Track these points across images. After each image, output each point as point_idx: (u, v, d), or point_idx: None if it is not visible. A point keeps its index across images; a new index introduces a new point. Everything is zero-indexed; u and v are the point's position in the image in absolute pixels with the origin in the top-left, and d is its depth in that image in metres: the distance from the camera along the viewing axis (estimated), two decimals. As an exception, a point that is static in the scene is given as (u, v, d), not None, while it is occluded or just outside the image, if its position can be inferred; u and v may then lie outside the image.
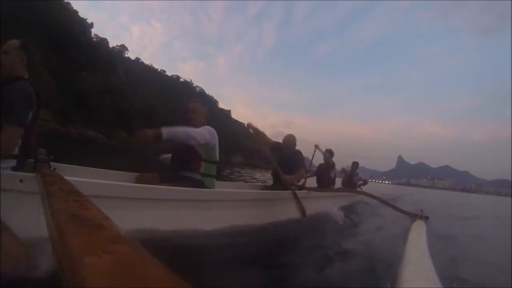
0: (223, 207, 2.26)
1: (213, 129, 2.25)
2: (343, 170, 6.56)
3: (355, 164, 6.48)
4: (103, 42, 42.84)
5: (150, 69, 57.93)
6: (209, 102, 74.24)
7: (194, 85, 72.70)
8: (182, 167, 2.25)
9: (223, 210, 2.25)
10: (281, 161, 3.35)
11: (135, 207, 1.68)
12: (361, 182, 6.77)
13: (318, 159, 5.49)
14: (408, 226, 3.02)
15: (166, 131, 1.92)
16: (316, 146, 5.10)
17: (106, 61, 36.11)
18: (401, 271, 1.36)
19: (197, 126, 2.26)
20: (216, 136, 2.28)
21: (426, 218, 3.70)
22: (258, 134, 3.44)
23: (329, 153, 5.23)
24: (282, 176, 3.03)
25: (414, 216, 3.87)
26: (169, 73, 66.09)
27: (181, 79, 70.29)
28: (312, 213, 3.66)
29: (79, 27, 33.94)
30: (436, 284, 1.20)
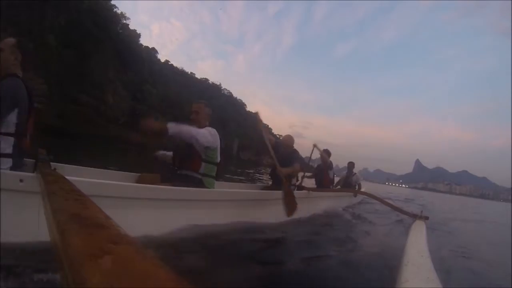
0: (223, 207, 2.27)
1: (215, 131, 2.25)
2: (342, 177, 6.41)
3: (350, 165, 6.38)
4: (152, 51, 43.34)
5: (181, 73, 57.74)
6: (237, 105, 74.08)
7: (222, 88, 73.05)
8: (182, 166, 2.26)
9: (223, 210, 2.26)
10: (279, 159, 3.36)
11: (135, 207, 1.68)
12: (357, 185, 6.52)
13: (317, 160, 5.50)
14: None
15: (172, 127, 1.94)
16: (315, 146, 5.09)
17: (160, 72, 37.92)
18: (401, 271, 1.36)
19: (199, 126, 2.26)
20: (218, 138, 2.27)
21: (426, 218, 3.70)
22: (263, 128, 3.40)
23: (326, 153, 5.20)
24: (277, 167, 2.99)
25: (414, 216, 3.87)
26: (188, 71, 65.97)
27: (210, 82, 70.60)
28: (313, 213, 3.67)
29: (137, 40, 35.42)
30: (436, 285, 1.20)
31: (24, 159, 1.70)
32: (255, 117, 3.29)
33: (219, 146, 2.31)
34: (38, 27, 16.69)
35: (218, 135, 2.27)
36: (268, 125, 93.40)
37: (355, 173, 6.45)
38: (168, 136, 1.95)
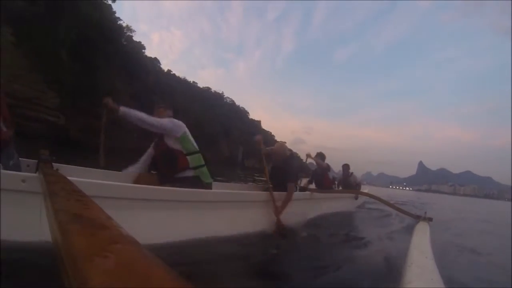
0: (223, 208, 2.26)
1: (177, 120, 2.27)
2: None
3: (345, 167, 6.36)
4: (155, 61, 43.45)
5: (183, 82, 56.79)
6: (240, 112, 73.51)
7: (225, 96, 72.02)
8: (172, 172, 2.23)
9: (223, 211, 2.25)
10: (272, 170, 3.33)
11: (137, 207, 1.68)
12: (357, 185, 6.49)
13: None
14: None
15: (123, 110, 2.07)
16: (308, 156, 5.06)
17: (165, 83, 38.17)
18: (404, 272, 1.35)
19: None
20: (182, 126, 2.27)
21: (429, 220, 3.68)
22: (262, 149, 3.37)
23: (320, 157, 5.17)
24: (276, 211, 2.72)
25: (417, 218, 3.85)
26: (190, 80, 64.20)
27: (212, 90, 69.78)
28: (316, 215, 3.66)
29: (141, 51, 36.02)
30: (440, 286, 1.19)
31: (21, 158, 1.70)
32: (255, 141, 3.26)
33: (188, 134, 2.30)
34: (51, 43, 17.31)
35: (182, 124, 2.27)
36: (270, 132, 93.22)
37: (352, 172, 6.42)
38: (119, 116, 2.07)
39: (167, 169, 2.24)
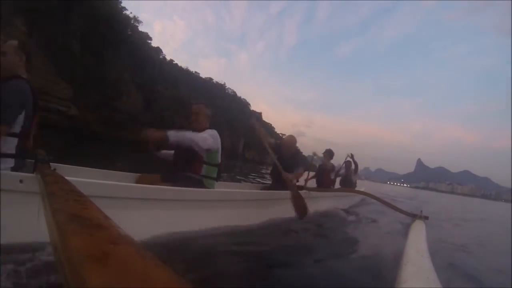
0: (223, 207, 2.26)
1: (216, 134, 2.25)
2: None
3: (348, 163, 6.44)
4: (158, 50, 43.22)
5: (185, 72, 56.11)
6: (241, 104, 73.14)
7: (226, 87, 71.12)
8: (183, 168, 2.26)
9: (223, 210, 2.25)
10: (280, 162, 3.37)
11: (135, 207, 1.67)
12: (356, 177, 6.70)
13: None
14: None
15: (172, 136, 1.98)
16: (314, 154, 5.10)
17: (170, 74, 38.20)
18: (400, 271, 1.36)
19: (199, 128, 2.26)
20: (219, 140, 2.27)
21: (425, 218, 3.70)
22: (261, 132, 3.43)
23: (328, 154, 5.21)
24: (282, 173, 3.01)
25: (413, 216, 3.88)
26: (192, 70, 62.93)
27: (214, 81, 68.84)
28: (313, 214, 3.67)
29: (149, 42, 36.17)
30: (436, 285, 1.20)
31: (26, 160, 1.70)
32: (252, 125, 3.29)
33: (220, 148, 2.30)
34: (62, 34, 17.62)
35: (219, 137, 2.27)
36: (271, 124, 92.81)
37: (353, 169, 6.49)
38: (169, 144, 2.00)
39: (181, 163, 2.25)
